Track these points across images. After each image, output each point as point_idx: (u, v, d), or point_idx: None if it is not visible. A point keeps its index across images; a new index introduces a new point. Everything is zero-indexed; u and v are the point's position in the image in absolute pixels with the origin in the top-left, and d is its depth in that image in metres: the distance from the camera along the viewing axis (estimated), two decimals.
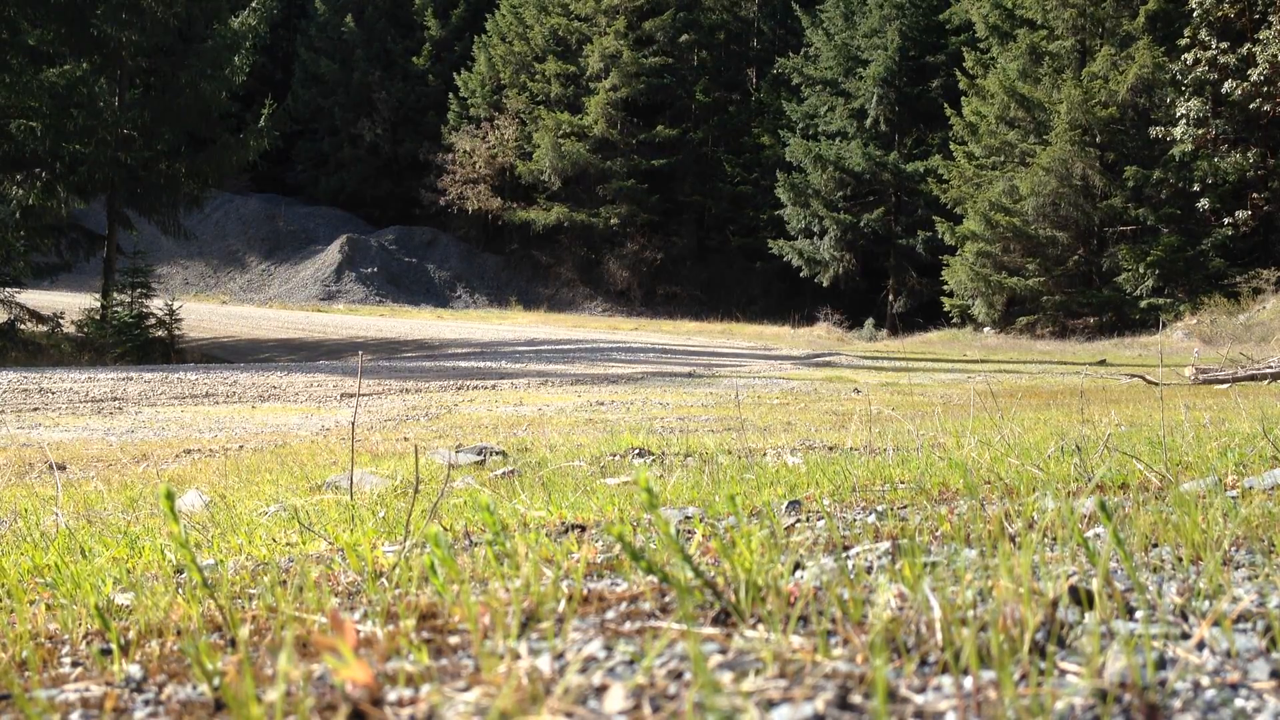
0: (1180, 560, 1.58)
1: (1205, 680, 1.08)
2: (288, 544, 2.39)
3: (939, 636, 1.15)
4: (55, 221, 20.69)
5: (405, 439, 6.78)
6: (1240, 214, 27.75)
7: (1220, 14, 26.81)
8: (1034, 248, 29.57)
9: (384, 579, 1.74)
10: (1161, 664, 1.14)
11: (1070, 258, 29.80)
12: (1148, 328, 26.80)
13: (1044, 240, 29.36)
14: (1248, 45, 26.42)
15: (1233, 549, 1.68)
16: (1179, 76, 27.43)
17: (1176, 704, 1.03)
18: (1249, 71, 26.09)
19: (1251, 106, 26.66)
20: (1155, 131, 27.67)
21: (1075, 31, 29.61)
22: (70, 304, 21.02)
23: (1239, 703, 1.03)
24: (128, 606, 1.66)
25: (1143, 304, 27.79)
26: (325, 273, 41.04)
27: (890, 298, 36.90)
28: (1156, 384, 11.22)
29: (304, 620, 1.43)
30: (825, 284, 36.68)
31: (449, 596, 1.41)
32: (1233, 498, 2.12)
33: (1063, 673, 1.09)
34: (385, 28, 46.45)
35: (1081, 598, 1.31)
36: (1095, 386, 11.84)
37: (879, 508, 2.40)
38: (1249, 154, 27.60)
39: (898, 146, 36.96)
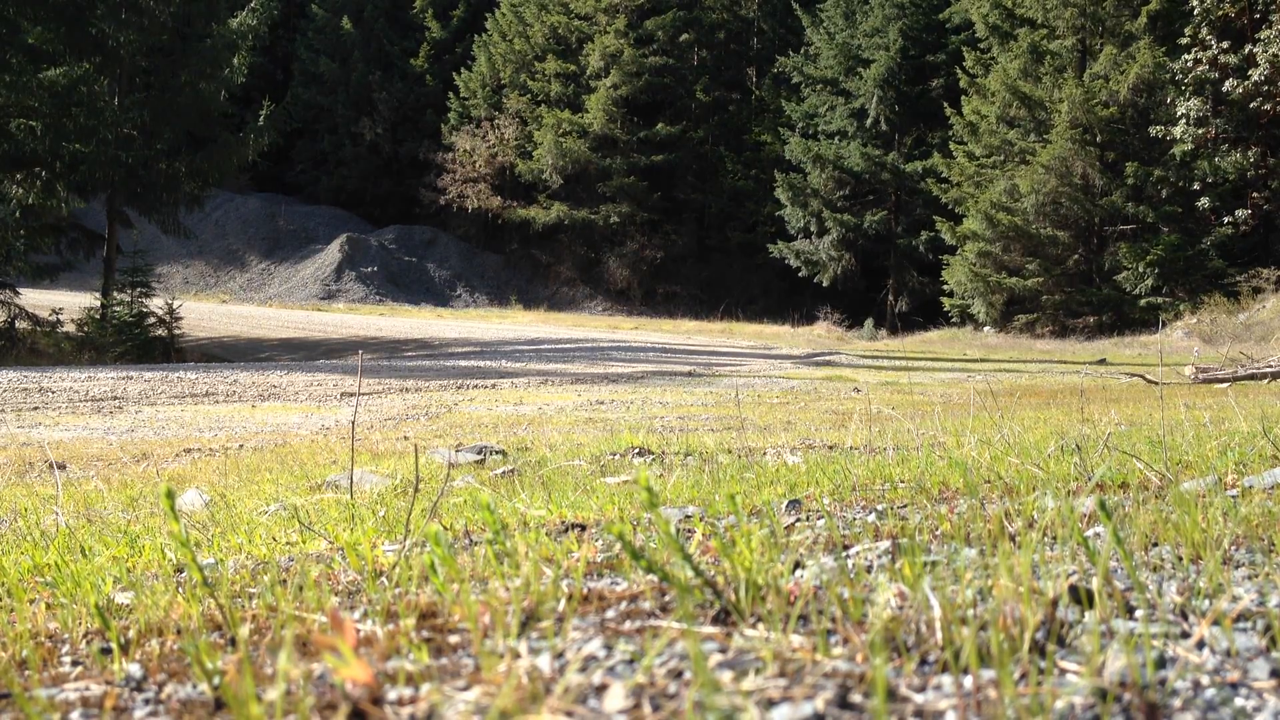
0: (1180, 559, 1.58)
1: (1205, 679, 1.08)
2: (288, 543, 2.39)
3: (939, 635, 1.15)
4: (55, 221, 20.69)
5: (405, 438, 6.78)
6: (1240, 213, 27.76)
7: (1221, 14, 26.82)
8: (1034, 247, 29.57)
9: (384, 578, 1.74)
10: (1161, 663, 1.14)
11: (1070, 257, 29.80)
12: (1148, 327, 26.80)
13: (1044, 239, 29.35)
14: (1248, 45, 26.43)
15: (1233, 548, 1.68)
16: (1179, 76, 27.43)
17: (1176, 703, 1.03)
18: (1249, 71, 26.11)
19: (1251, 106, 26.67)
20: (1155, 130, 27.67)
21: (1076, 31, 29.60)
22: (70, 303, 21.01)
23: (1239, 702, 1.03)
24: (128, 605, 1.66)
25: (1142, 303, 27.79)
26: (325, 272, 41.03)
27: (890, 297, 36.90)
28: (1156, 383, 11.23)
29: (304, 619, 1.43)
30: (825, 284, 36.69)
31: (449, 595, 1.41)
32: (1233, 497, 2.12)
33: (1063, 672, 1.09)
34: (384, 28, 46.49)
35: (1081, 597, 1.31)
36: (1095, 385, 11.84)
37: (879, 507, 2.40)
38: (1249, 153, 27.61)
39: (898, 146, 36.95)
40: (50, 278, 20.83)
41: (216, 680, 1.17)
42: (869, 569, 1.62)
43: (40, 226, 19.97)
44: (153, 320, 20.00)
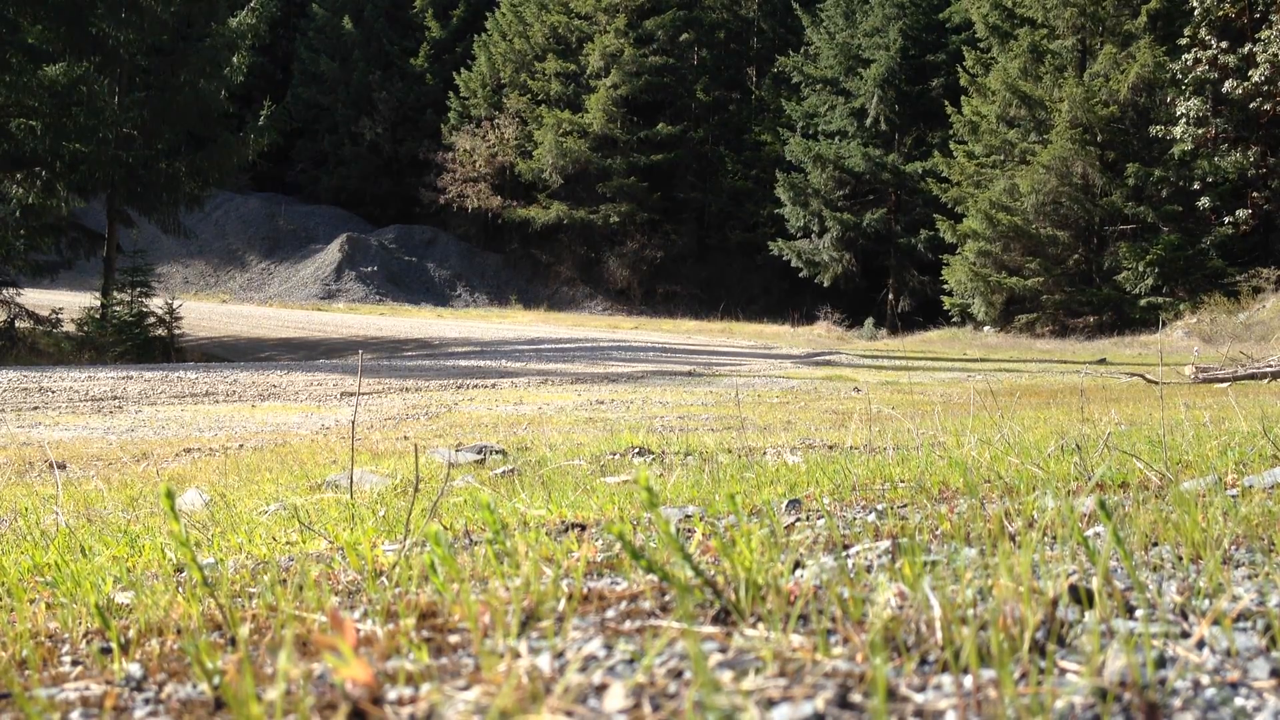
0: (1180, 559, 1.58)
1: (1205, 679, 1.08)
2: (288, 543, 2.39)
3: (939, 635, 1.15)
4: (55, 220, 20.67)
5: (405, 438, 6.78)
6: (1240, 213, 27.77)
7: (1221, 14, 26.83)
8: (1034, 246, 29.58)
9: (384, 578, 1.74)
10: (1161, 663, 1.14)
11: (1070, 256, 29.81)
12: (1148, 326, 26.80)
13: (1044, 239, 29.36)
14: (1248, 45, 26.44)
15: (1233, 548, 1.68)
16: (1179, 76, 27.44)
17: (1176, 702, 1.03)
18: (1249, 71, 26.12)
19: (1251, 106, 26.68)
20: (1156, 130, 27.67)
21: (1076, 30, 29.61)
22: (70, 303, 21.01)
23: (1239, 701, 1.03)
24: (128, 605, 1.66)
25: (1142, 303, 27.79)
26: (325, 271, 41.03)
27: (890, 297, 36.91)
28: (1156, 383, 11.23)
29: (304, 619, 1.43)
30: (825, 283, 36.70)
31: (449, 595, 1.41)
32: (1233, 496, 2.12)
33: (1063, 671, 1.09)
34: (384, 28, 46.52)
35: (1081, 596, 1.31)
36: (1095, 385, 11.84)
37: (879, 506, 2.40)
38: (1249, 153, 27.62)
39: (898, 146, 36.96)
40: (50, 277, 20.84)
41: (216, 680, 1.17)
42: (869, 569, 1.62)
43: (40, 226, 19.97)
44: (153, 320, 20.00)
